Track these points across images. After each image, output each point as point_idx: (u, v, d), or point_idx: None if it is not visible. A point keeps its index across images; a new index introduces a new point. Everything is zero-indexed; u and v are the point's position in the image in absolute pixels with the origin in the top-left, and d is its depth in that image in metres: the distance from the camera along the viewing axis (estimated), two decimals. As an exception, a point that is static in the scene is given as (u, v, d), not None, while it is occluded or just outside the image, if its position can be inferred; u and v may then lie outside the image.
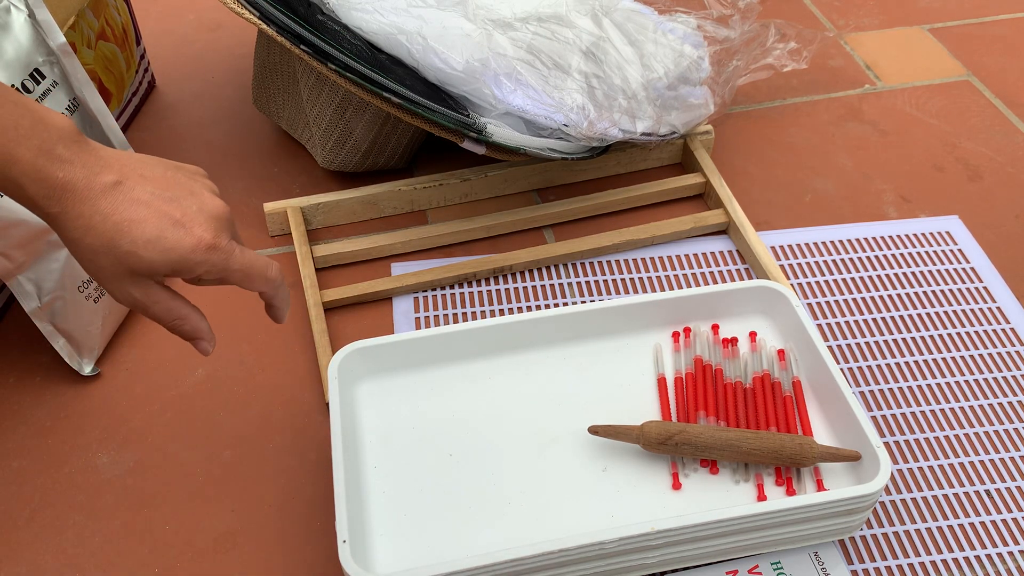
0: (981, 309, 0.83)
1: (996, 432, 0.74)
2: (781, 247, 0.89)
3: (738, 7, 0.96)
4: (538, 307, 0.84)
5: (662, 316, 0.75)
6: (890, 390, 0.77)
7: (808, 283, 0.86)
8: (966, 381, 0.78)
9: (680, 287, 0.86)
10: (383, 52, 0.80)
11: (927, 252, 0.88)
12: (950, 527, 0.69)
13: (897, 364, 0.79)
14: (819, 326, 0.82)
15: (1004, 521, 0.69)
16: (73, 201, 0.52)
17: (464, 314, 0.83)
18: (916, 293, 0.85)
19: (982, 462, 0.73)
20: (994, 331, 0.82)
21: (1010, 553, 0.68)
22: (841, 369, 0.78)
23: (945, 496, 0.71)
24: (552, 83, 0.81)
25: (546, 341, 0.74)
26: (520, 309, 0.84)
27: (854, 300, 0.84)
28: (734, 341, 0.74)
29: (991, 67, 1.10)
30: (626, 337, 0.75)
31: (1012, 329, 0.82)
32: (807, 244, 0.89)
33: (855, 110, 1.05)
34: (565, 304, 0.84)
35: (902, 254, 0.88)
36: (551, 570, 0.60)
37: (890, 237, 0.90)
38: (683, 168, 0.97)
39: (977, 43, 1.14)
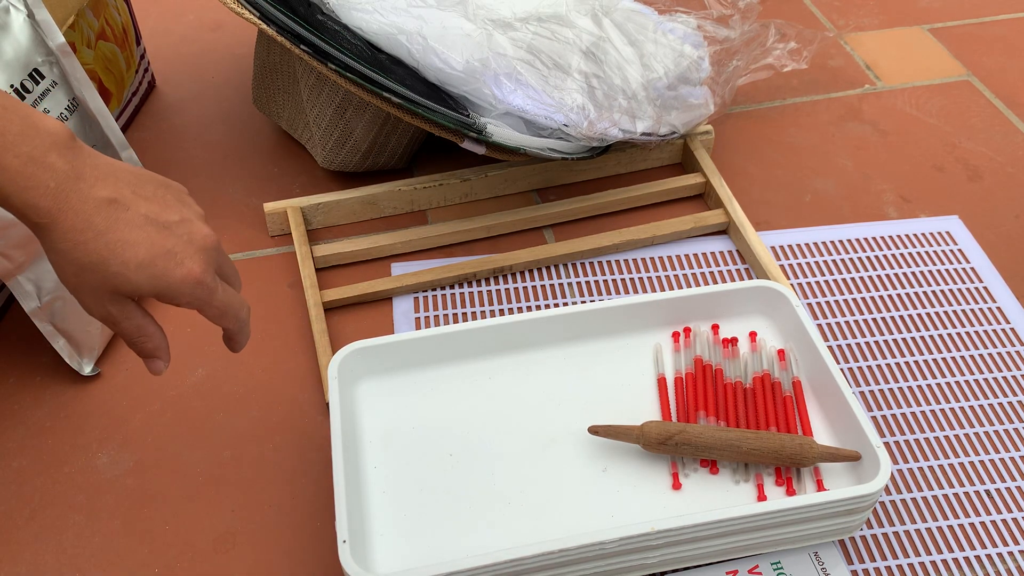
0: (981, 309, 0.83)
1: (996, 432, 0.74)
2: (781, 247, 0.89)
3: (738, 7, 0.96)
4: (538, 307, 0.84)
5: (662, 316, 0.75)
6: (890, 390, 0.77)
7: (808, 283, 0.86)
8: (966, 381, 0.78)
9: (680, 287, 0.86)
10: (383, 52, 0.80)
11: (927, 252, 0.88)
12: (950, 527, 0.69)
13: (897, 364, 0.79)
14: (819, 326, 0.82)
15: (1004, 521, 0.69)
16: (64, 213, 0.51)
17: (464, 314, 0.83)
18: (916, 293, 0.85)
19: (982, 462, 0.73)
20: (994, 331, 0.82)
21: (1010, 553, 0.68)
22: (841, 369, 0.78)
23: (945, 496, 0.71)
24: (552, 83, 0.81)
25: (546, 341, 0.74)
26: (520, 309, 0.84)
27: (854, 300, 0.84)
28: (734, 341, 0.74)
29: (991, 67, 1.10)
30: (626, 337, 0.75)
31: (1012, 329, 0.82)
32: (807, 244, 0.89)
33: (855, 110, 1.05)
34: (565, 304, 0.84)
35: (902, 254, 0.88)
36: (551, 570, 0.60)
37: (890, 237, 0.90)
38: (683, 168, 0.97)
39: (977, 43, 1.14)
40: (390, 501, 0.65)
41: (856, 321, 0.83)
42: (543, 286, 0.86)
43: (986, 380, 0.78)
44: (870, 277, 0.86)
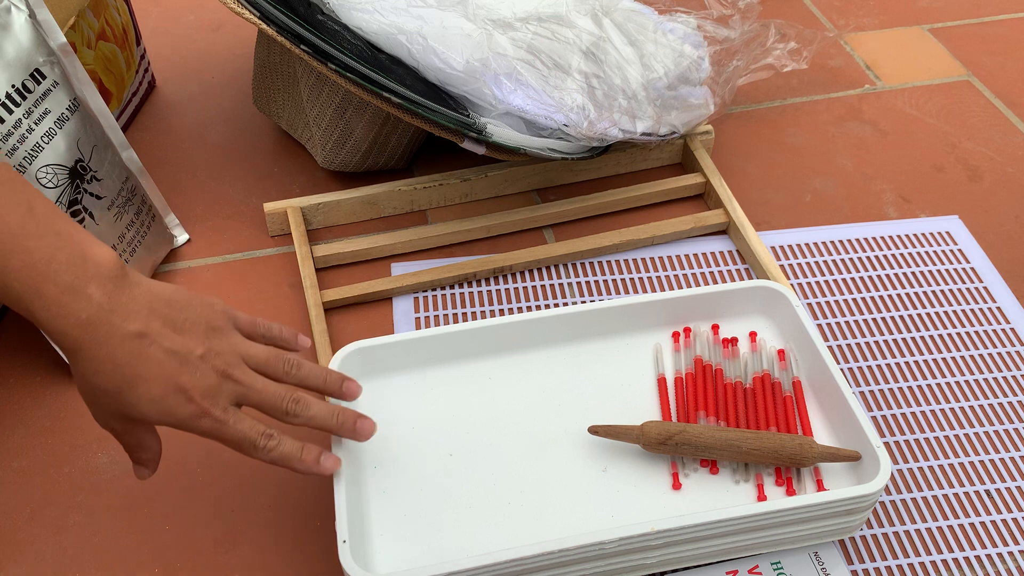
0: (981, 309, 0.83)
1: (996, 432, 0.74)
2: (781, 247, 0.89)
3: (738, 7, 0.96)
4: (538, 307, 0.84)
5: (662, 316, 0.75)
6: (890, 390, 0.77)
7: (808, 283, 0.86)
8: (966, 381, 0.78)
9: (680, 287, 0.86)
10: (383, 52, 0.80)
11: (927, 252, 0.88)
12: (950, 527, 0.69)
13: (897, 364, 0.79)
14: (819, 326, 0.82)
15: (1004, 521, 0.69)
16: (91, 343, 0.53)
17: (464, 314, 0.83)
18: (916, 293, 0.85)
19: (982, 462, 0.73)
20: (994, 331, 0.82)
21: (1010, 553, 0.68)
22: (841, 369, 0.78)
23: (945, 496, 0.71)
24: (552, 83, 0.81)
25: (546, 341, 0.74)
26: (520, 309, 0.84)
27: (854, 300, 0.84)
28: (734, 341, 0.74)
29: (991, 67, 1.10)
30: (626, 337, 0.75)
31: (1012, 329, 0.82)
32: (807, 244, 0.89)
33: (855, 110, 1.05)
34: (565, 304, 0.84)
35: (902, 254, 0.88)
36: (551, 570, 0.60)
37: (890, 237, 0.90)
38: (683, 168, 0.97)
39: (977, 43, 1.14)
40: (390, 501, 0.65)
41: (856, 321, 0.83)
42: (543, 286, 0.86)
43: (986, 380, 0.78)
44: (870, 277, 0.86)
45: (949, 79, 1.09)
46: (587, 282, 0.86)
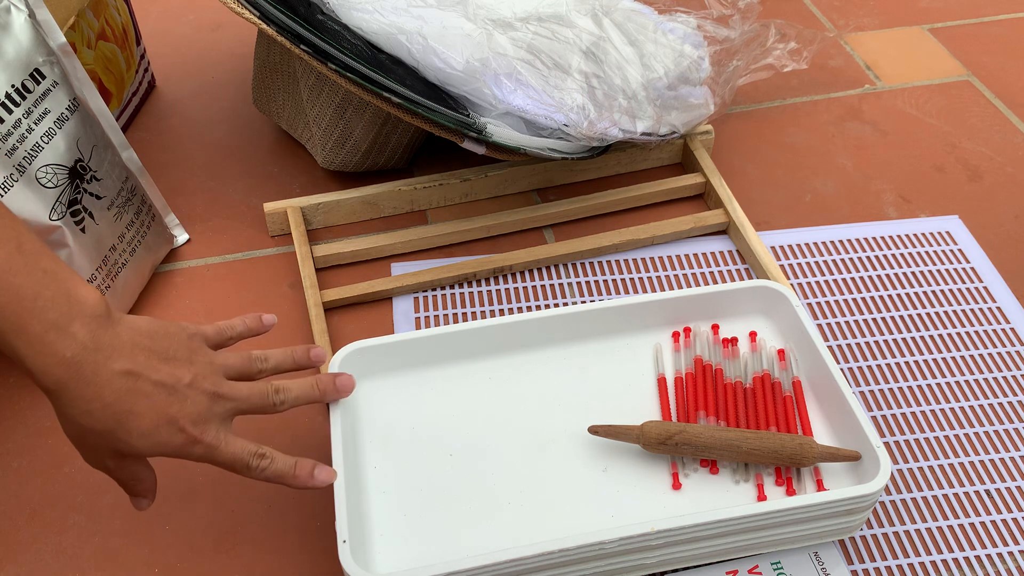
0: (981, 309, 0.83)
1: (996, 432, 0.74)
2: (781, 247, 0.89)
3: (738, 7, 0.96)
4: (538, 307, 0.84)
5: (662, 316, 0.75)
6: (890, 390, 0.77)
7: (808, 283, 0.86)
8: (966, 381, 0.78)
9: (680, 287, 0.86)
10: (383, 52, 0.80)
11: (927, 252, 0.88)
12: (950, 527, 0.69)
13: (897, 364, 0.79)
14: (819, 326, 0.82)
15: (1004, 521, 0.69)
16: (76, 382, 0.53)
17: (464, 314, 0.83)
18: (916, 293, 0.85)
19: (982, 462, 0.73)
20: (994, 331, 0.82)
21: (1010, 553, 0.68)
22: (841, 369, 0.78)
23: (945, 496, 0.71)
24: (552, 83, 0.81)
25: (546, 341, 0.74)
26: (520, 309, 0.84)
27: (854, 300, 0.84)
28: (734, 341, 0.74)
29: (991, 67, 1.10)
30: (626, 337, 0.75)
31: (1012, 329, 0.82)
32: (807, 244, 0.89)
33: (855, 110, 1.05)
34: (565, 304, 0.84)
35: (902, 254, 0.88)
36: (551, 570, 0.60)
37: (890, 237, 0.90)
38: (683, 168, 0.97)
39: (977, 43, 1.14)
40: (390, 501, 0.65)
41: (856, 321, 0.83)
42: (543, 286, 0.86)
43: (986, 380, 0.78)
44: (870, 277, 0.86)
45: (949, 79, 1.09)
46: (587, 282, 0.86)
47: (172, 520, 0.70)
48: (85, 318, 0.53)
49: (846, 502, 0.61)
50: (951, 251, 0.88)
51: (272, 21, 0.78)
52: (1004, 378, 0.78)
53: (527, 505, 0.65)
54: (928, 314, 0.83)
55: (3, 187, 0.69)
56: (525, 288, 0.86)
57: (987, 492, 0.71)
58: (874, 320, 0.83)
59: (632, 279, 0.86)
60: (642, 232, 0.88)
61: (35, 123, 0.72)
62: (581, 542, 0.58)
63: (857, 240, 0.90)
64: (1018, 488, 0.71)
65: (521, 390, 0.72)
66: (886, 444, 0.74)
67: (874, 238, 0.90)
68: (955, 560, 0.67)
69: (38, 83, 0.73)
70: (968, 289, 0.85)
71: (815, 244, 0.89)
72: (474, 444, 0.69)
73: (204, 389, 0.57)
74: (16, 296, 0.51)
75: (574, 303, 0.84)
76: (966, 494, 0.71)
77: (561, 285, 0.86)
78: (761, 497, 0.65)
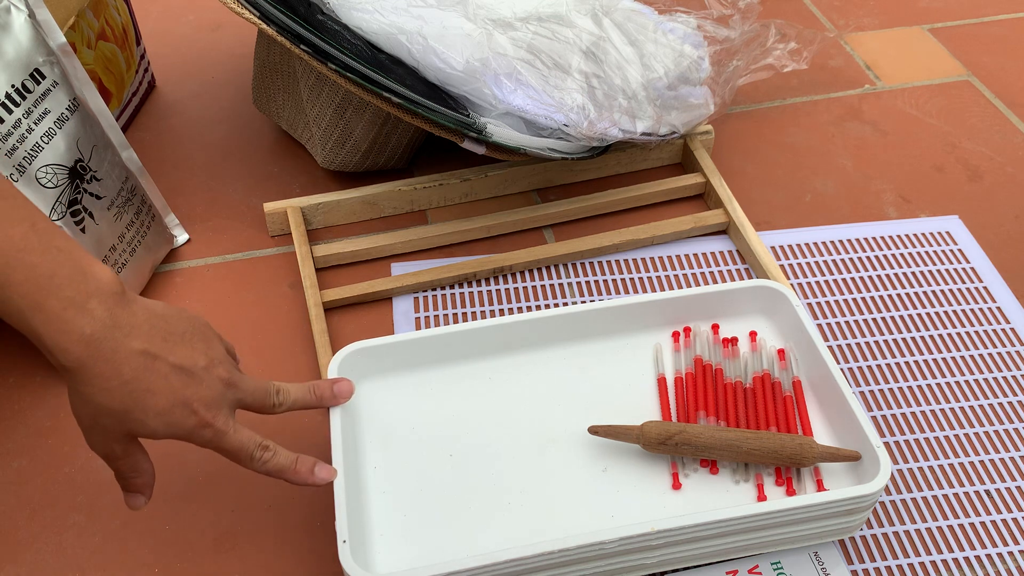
0: (981, 309, 0.83)
1: (996, 432, 0.74)
2: (781, 247, 0.89)
3: (738, 7, 0.96)
4: (538, 307, 0.84)
5: (662, 316, 0.75)
6: (890, 390, 0.77)
7: (808, 283, 0.86)
8: (966, 381, 0.78)
9: (680, 287, 0.86)
10: (383, 52, 0.80)
11: (927, 252, 0.88)
12: (950, 527, 0.69)
13: (897, 364, 0.79)
14: (819, 326, 0.82)
15: (1004, 521, 0.69)
16: (95, 360, 0.53)
17: (464, 314, 0.83)
18: (916, 293, 0.85)
19: (982, 462, 0.73)
20: (994, 331, 0.82)
21: (1010, 553, 0.68)
22: (841, 369, 0.78)
23: (945, 496, 0.71)
24: (552, 83, 0.81)
25: (546, 341, 0.74)
26: (520, 309, 0.84)
27: (854, 300, 0.84)
28: (734, 341, 0.74)
29: (991, 67, 1.10)
30: (626, 337, 0.75)
31: (1012, 329, 0.82)
32: (807, 244, 0.89)
33: (855, 110, 1.05)
34: (565, 304, 0.84)
35: (902, 254, 0.88)
36: (551, 570, 0.60)
37: (890, 237, 0.90)
38: (683, 168, 0.97)
39: (977, 43, 1.14)
40: (390, 501, 0.65)
41: (856, 321, 0.83)
42: (543, 286, 0.86)
43: (986, 380, 0.78)
44: (870, 277, 0.86)
45: (949, 79, 1.09)
46: (587, 282, 0.86)
47: (172, 520, 0.70)
48: (102, 296, 0.53)
49: (846, 502, 0.61)
50: (951, 251, 0.88)
51: (272, 21, 0.78)
52: (1004, 378, 0.78)
53: (527, 505, 0.65)
54: (928, 314, 0.83)
55: (3, 187, 0.69)
56: (525, 288, 0.86)
57: (987, 492, 0.71)
58: (874, 320, 0.83)
59: (632, 279, 0.86)
60: (642, 232, 0.88)
61: (35, 123, 0.72)
62: (581, 542, 0.58)
63: (857, 240, 0.90)
64: (1018, 488, 0.71)
65: (521, 390, 0.72)
66: (886, 444, 0.74)
67: (874, 238, 0.90)
68: (955, 560, 0.67)
69: (38, 83, 0.73)
70: (968, 289, 0.85)
71: (815, 244, 0.89)
72: (474, 444, 0.69)
73: (219, 375, 0.58)
74: (32, 274, 0.51)
75: (574, 303, 0.84)
76: (966, 494, 0.71)
77: (561, 285, 0.86)
78: (761, 497, 0.65)
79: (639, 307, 0.74)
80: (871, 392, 0.77)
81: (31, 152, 0.71)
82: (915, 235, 0.90)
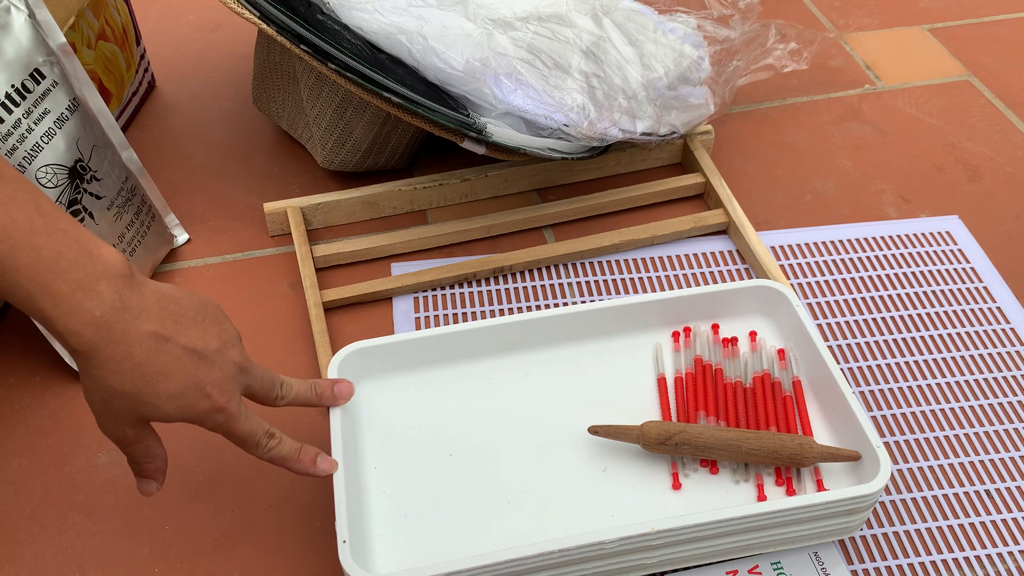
0: (981, 309, 0.83)
1: (996, 432, 0.74)
2: (781, 247, 0.89)
3: (738, 7, 0.96)
4: (538, 307, 0.84)
5: (662, 316, 0.75)
6: (890, 390, 0.77)
7: (808, 283, 0.86)
8: (966, 381, 0.78)
9: (680, 287, 0.86)
10: (383, 52, 0.80)
11: (927, 252, 0.88)
12: (950, 527, 0.69)
13: (897, 364, 0.79)
14: (819, 326, 0.82)
15: (1004, 521, 0.69)
16: (106, 343, 0.52)
17: (464, 314, 0.83)
18: (916, 293, 0.85)
19: (982, 462, 0.73)
20: (994, 331, 0.82)
21: (1010, 553, 0.68)
22: (841, 369, 0.78)
23: (945, 496, 0.71)
24: (552, 83, 0.81)
25: (546, 341, 0.74)
26: (520, 309, 0.84)
27: (854, 300, 0.84)
28: (734, 341, 0.74)
29: (991, 67, 1.10)
30: (626, 337, 0.75)
31: (1012, 329, 0.82)
32: (807, 244, 0.89)
33: (855, 110, 1.05)
34: (565, 304, 0.84)
35: (902, 254, 0.88)
36: (551, 570, 0.60)
37: (890, 237, 0.90)
38: (683, 168, 0.97)
39: (977, 43, 1.14)
40: (390, 501, 0.65)
41: (856, 321, 0.83)
42: (543, 286, 0.86)
43: (986, 380, 0.78)
44: (870, 277, 0.86)
45: (949, 79, 1.09)
46: (587, 282, 0.86)
47: (172, 520, 0.70)
48: (110, 277, 0.53)
49: (846, 502, 0.61)
50: (951, 251, 0.88)
51: (272, 21, 0.78)
52: (1004, 378, 0.78)
53: (527, 505, 0.65)
54: (928, 314, 0.83)
55: (3, 187, 0.69)
56: (525, 288, 0.86)
57: (987, 492, 0.71)
58: (874, 320, 0.83)
59: (632, 279, 0.86)
60: (642, 232, 0.88)
61: (35, 123, 0.72)
62: (581, 542, 0.58)
63: (857, 240, 0.90)
64: (1018, 488, 0.71)
65: (521, 390, 0.72)
66: (886, 444, 0.74)
67: (874, 238, 0.90)
68: (955, 560, 0.67)
69: (38, 83, 0.73)
70: (968, 289, 0.85)
71: (815, 244, 0.89)
72: (474, 444, 0.69)
73: (232, 358, 0.57)
74: (39, 257, 0.51)
75: (574, 303, 0.84)
76: (966, 494, 0.71)
77: (561, 285, 0.86)
78: (761, 497, 0.65)
79: (639, 307, 0.74)
80: (871, 392, 0.77)
81: (31, 152, 0.71)
82: (915, 235, 0.90)
